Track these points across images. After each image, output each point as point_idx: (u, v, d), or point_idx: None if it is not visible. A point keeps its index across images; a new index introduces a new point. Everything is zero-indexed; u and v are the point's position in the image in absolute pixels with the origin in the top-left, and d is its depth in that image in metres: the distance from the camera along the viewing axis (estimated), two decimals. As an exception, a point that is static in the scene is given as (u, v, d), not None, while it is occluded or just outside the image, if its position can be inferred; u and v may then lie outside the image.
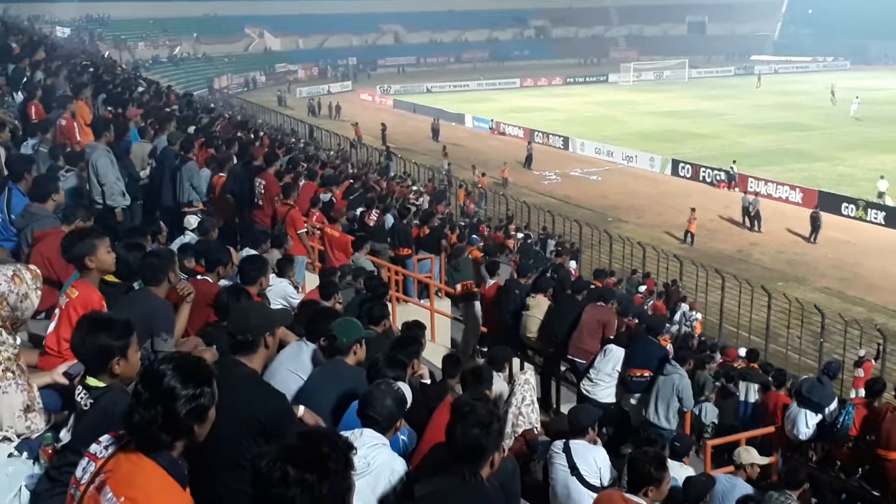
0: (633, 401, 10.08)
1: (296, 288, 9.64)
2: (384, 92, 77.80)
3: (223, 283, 7.45)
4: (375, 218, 17.73)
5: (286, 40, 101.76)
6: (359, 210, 19.34)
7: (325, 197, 17.49)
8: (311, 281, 11.57)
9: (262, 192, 11.91)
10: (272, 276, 8.61)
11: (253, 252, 9.06)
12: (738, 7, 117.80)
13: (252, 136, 23.13)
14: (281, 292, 8.71)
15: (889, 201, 33.50)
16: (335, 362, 5.79)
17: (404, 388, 5.21)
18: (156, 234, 8.43)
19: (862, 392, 12.22)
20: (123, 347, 3.83)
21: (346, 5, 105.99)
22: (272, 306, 7.33)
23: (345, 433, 4.13)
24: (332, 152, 39.27)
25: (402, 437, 5.25)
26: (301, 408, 5.14)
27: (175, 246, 8.74)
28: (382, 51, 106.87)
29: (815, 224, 29.84)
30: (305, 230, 12.61)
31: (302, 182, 16.16)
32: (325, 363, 5.87)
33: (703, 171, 39.89)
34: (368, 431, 4.65)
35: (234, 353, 4.54)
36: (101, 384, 3.77)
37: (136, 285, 6.14)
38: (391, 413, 4.77)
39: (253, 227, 11.45)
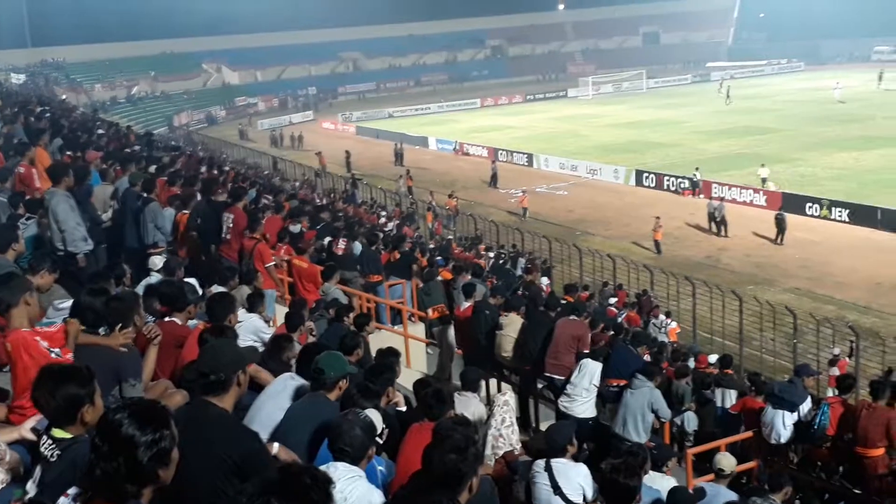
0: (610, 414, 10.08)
1: (267, 322, 9.55)
2: (346, 119, 77.90)
3: (192, 322, 7.36)
4: (343, 246, 17.67)
5: (244, 73, 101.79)
6: (327, 240, 19.28)
7: (294, 228, 17.42)
8: (282, 314, 11.47)
9: (231, 226, 11.81)
10: (242, 312, 8.54)
11: (221, 289, 8.97)
12: (690, 16, 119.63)
13: (216, 171, 23.00)
14: (252, 328, 8.63)
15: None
16: (314, 396, 5.75)
17: (373, 414, 5.17)
18: (120, 277, 8.31)
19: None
20: (91, 394, 3.79)
21: (302, 35, 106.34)
22: (243, 342, 7.25)
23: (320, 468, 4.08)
24: (297, 183, 39.18)
25: (380, 467, 5.20)
26: (276, 445, 5.08)
27: (140, 288, 8.62)
28: (342, 78, 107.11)
29: (781, 225, 30.18)
30: (274, 263, 12.52)
31: (268, 214, 16.08)
32: (304, 398, 5.83)
33: (667, 180, 40.29)
34: (342, 465, 4.60)
35: (204, 393, 4.48)
36: (68, 435, 3.71)
37: (101, 331, 6.04)
38: (361, 443, 4.73)
39: (220, 263, 11.35)
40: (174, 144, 38.05)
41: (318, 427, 5.39)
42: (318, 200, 32.30)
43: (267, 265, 12.00)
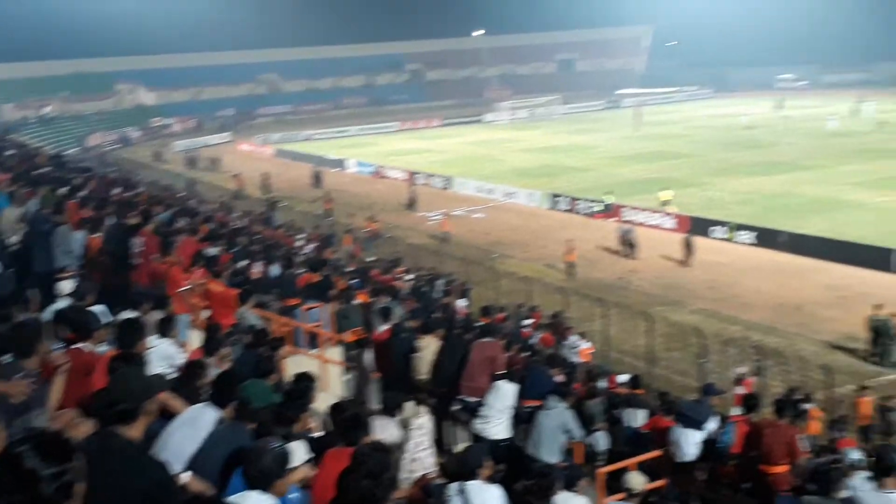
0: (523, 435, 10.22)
1: (179, 348, 9.42)
2: (264, 141, 77.18)
3: (102, 349, 7.23)
4: (260, 270, 17.55)
5: (160, 94, 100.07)
6: (243, 263, 19.08)
7: (209, 252, 17.20)
8: (195, 339, 11.32)
9: (141, 250, 11.63)
10: (154, 338, 8.42)
11: (132, 314, 8.82)
12: (605, 44, 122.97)
13: (129, 193, 22.55)
14: (163, 354, 8.50)
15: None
16: (231, 425, 5.71)
17: (297, 445, 5.17)
18: (26, 303, 8.12)
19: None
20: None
21: (220, 56, 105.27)
22: (155, 369, 7.17)
23: (232, 497, 4.08)
24: (213, 205, 38.63)
25: (293, 495, 5.20)
26: (187, 475, 5.04)
27: (48, 313, 8.43)
28: (260, 100, 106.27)
29: (689, 248, 31.11)
30: (188, 287, 12.36)
31: (183, 237, 15.86)
32: (223, 426, 5.78)
33: (580, 204, 41.17)
34: (255, 494, 4.59)
35: (112, 422, 4.43)
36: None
37: (7, 358, 5.90)
38: (271, 472, 4.72)
39: (131, 287, 11.16)
40: (85, 166, 37.09)
41: (233, 455, 5.36)
42: (235, 223, 31.90)
43: (180, 289, 11.84)
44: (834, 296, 26.49)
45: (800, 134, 62.46)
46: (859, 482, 7.84)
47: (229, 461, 5.31)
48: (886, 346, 21.11)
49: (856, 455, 10.92)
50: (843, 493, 7.67)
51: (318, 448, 6.27)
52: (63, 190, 15.97)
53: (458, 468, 7.05)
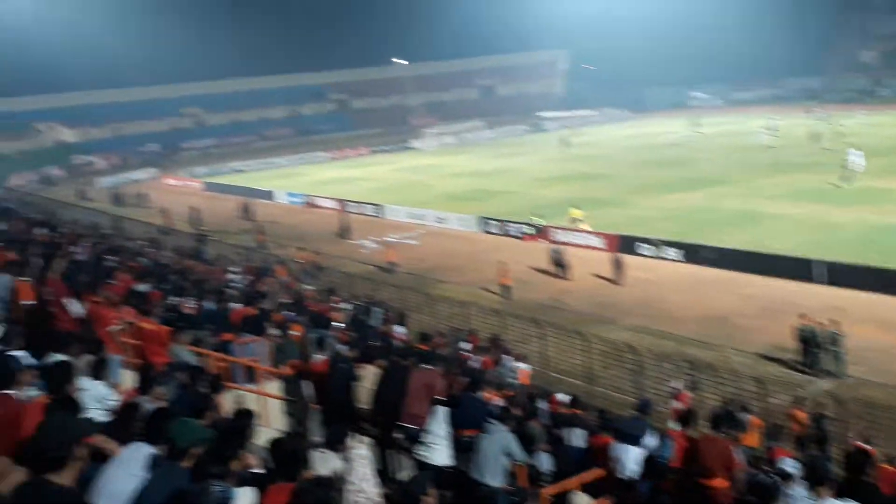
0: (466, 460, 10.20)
1: (112, 389, 9.20)
2: (190, 175, 76.21)
3: (33, 392, 7.02)
4: (193, 305, 17.26)
5: (80, 131, 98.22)
6: (175, 299, 18.75)
7: (139, 289, 16.87)
8: (129, 380, 11.06)
9: (51, 298, 11.29)
10: (86, 380, 8.22)
11: (60, 357, 8.59)
12: (523, 68, 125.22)
13: (54, 233, 21.98)
14: (97, 395, 8.31)
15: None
16: (168, 466, 5.60)
17: (244, 492, 5.08)
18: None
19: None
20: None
21: (141, 92, 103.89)
22: (88, 411, 6.99)
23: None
24: (140, 242, 37.86)
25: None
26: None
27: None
28: (184, 134, 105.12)
29: (618, 266, 31.63)
30: (118, 327, 12.08)
31: (112, 276, 15.53)
32: (158, 468, 5.66)
33: (510, 226, 41.57)
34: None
35: (43, 470, 4.30)
36: None
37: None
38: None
39: (56, 330, 10.86)
40: (6, 207, 36.06)
41: (171, 498, 5.25)
42: (164, 259, 31.32)
43: (110, 329, 11.57)
44: (759, 307, 27.16)
45: (716, 150, 64.22)
46: (796, 492, 8.05)
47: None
48: (815, 354, 21.66)
49: (791, 463, 11.17)
50: (782, 504, 7.82)
51: (259, 485, 6.18)
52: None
53: (403, 497, 7.02)
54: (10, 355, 7.86)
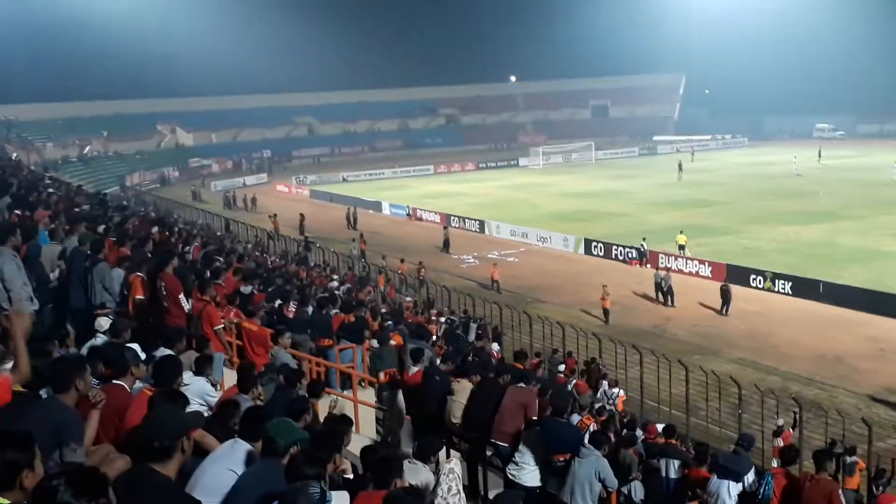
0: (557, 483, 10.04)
1: (214, 386, 9.44)
2: (300, 182, 78.06)
3: (137, 386, 7.25)
4: (294, 309, 17.60)
5: (199, 135, 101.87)
6: (278, 302, 19.17)
7: (244, 290, 17.30)
8: (230, 378, 11.33)
9: (165, 293, 11.63)
10: (189, 375, 8.45)
11: (167, 352, 8.86)
12: (638, 91, 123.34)
13: (167, 232, 22.82)
14: (198, 391, 8.53)
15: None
16: (266, 463, 5.69)
17: (340, 496, 5.10)
18: (63, 338, 8.18)
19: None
20: (30, 459, 3.73)
21: (258, 100, 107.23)
22: (189, 406, 7.16)
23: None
24: (249, 245, 38.99)
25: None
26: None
27: (85, 349, 8.49)
28: (297, 142, 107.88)
29: (726, 296, 30.73)
30: (222, 326, 12.41)
31: (223, 275, 15.99)
32: (256, 464, 5.76)
33: (615, 249, 40.93)
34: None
35: (147, 459, 4.41)
36: (7, 502, 3.63)
37: (43, 393, 5.94)
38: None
39: (166, 326, 11.21)
40: (123, 204, 37.71)
41: (268, 496, 5.32)
42: (270, 263, 32.16)
43: (215, 328, 11.89)
44: (875, 348, 25.99)
45: (838, 183, 61.84)
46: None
47: (265, 501, 5.27)
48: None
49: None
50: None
51: (351, 490, 6.20)
52: (101, 228, 16.17)
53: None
54: (129, 347, 8.13)
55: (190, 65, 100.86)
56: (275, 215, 50.25)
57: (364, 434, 12.53)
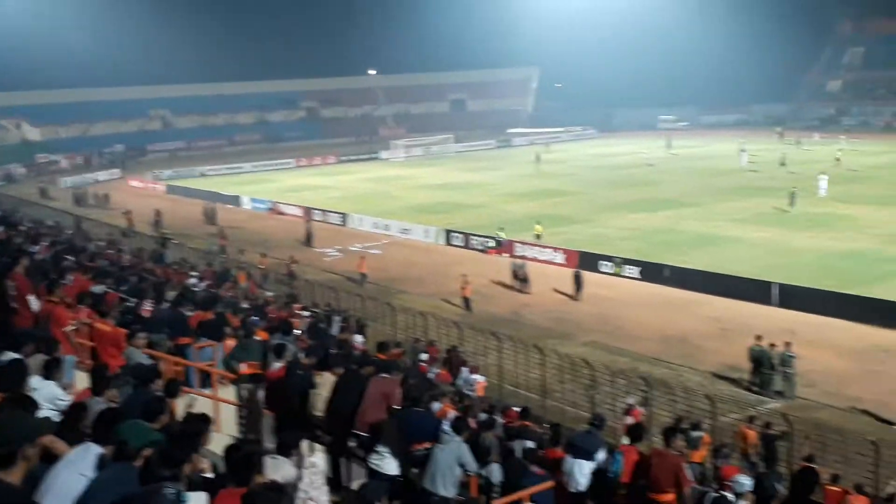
0: (416, 471, 10.27)
1: (65, 389, 9.15)
2: (156, 178, 75.48)
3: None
4: (150, 308, 17.16)
5: (46, 130, 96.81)
6: (132, 301, 18.60)
7: (96, 290, 16.73)
8: (83, 380, 10.99)
9: (14, 293, 11.20)
10: (38, 379, 8.19)
11: (13, 355, 8.55)
12: (494, 84, 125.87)
13: (13, 230, 21.71)
14: (48, 395, 8.26)
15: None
16: (118, 467, 5.61)
17: (197, 497, 5.10)
18: None
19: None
20: None
21: (110, 92, 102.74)
22: (39, 411, 6.97)
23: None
24: (102, 243, 37.45)
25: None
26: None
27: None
28: (151, 136, 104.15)
29: (578, 282, 31.92)
30: (73, 327, 12.01)
31: (71, 275, 15.41)
32: (108, 468, 5.68)
33: (474, 240, 41.78)
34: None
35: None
36: None
37: None
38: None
39: (13, 328, 10.79)
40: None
41: (120, 499, 5.27)
42: (124, 261, 31.01)
43: (65, 329, 11.50)
44: (716, 328, 27.58)
45: (684, 172, 65.02)
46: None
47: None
48: (766, 375, 22.06)
49: (745, 480, 11.33)
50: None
51: (211, 490, 6.21)
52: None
53: (355, 504, 7.08)
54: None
55: (36, 56, 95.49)
56: (129, 211, 48.48)
57: (225, 433, 12.40)
